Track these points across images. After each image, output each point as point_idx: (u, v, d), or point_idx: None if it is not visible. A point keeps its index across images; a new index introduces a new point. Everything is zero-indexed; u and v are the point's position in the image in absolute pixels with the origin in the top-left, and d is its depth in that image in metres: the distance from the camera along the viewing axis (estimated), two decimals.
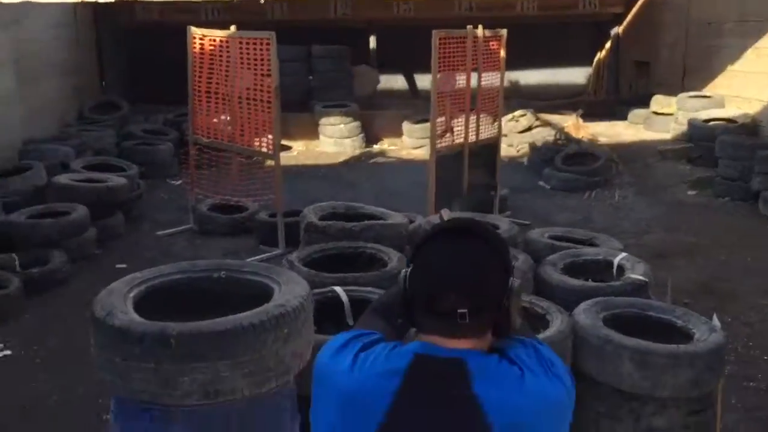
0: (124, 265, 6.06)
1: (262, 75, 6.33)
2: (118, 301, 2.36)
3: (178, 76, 7.77)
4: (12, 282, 5.24)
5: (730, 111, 10.18)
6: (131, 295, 2.47)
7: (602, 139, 11.08)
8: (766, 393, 4.02)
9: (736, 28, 10.24)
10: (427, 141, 7.26)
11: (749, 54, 9.90)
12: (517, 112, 11.36)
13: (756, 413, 3.86)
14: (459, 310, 1.38)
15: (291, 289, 2.46)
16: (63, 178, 6.82)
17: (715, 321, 3.34)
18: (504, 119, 8.96)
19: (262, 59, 6.30)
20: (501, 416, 1.35)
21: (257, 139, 6.68)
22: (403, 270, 1.50)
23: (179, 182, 9.01)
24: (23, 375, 4.32)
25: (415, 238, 1.53)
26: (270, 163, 7.22)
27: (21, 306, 5.22)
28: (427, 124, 7.68)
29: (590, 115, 12.49)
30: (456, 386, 1.37)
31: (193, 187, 7.21)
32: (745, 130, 9.47)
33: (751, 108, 9.81)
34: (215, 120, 6.96)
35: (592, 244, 4.77)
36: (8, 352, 4.60)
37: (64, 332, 4.91)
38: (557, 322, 3.23)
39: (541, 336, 3.10)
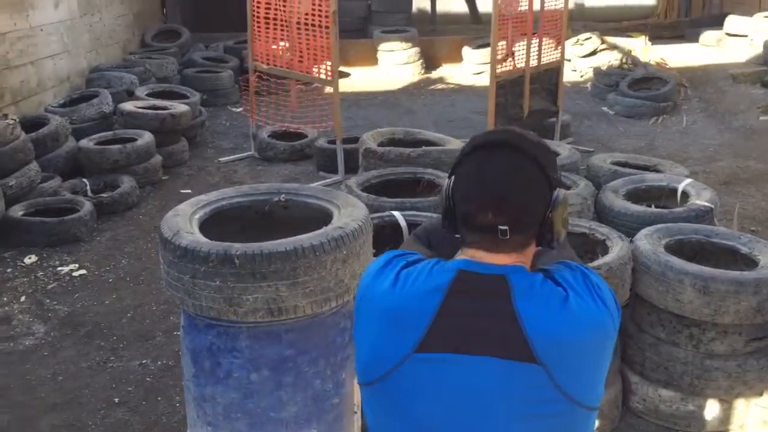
0: (188, 190, 6.24)
1: (320, 0, 6.26)
2: (184, 222, 2.44)
3: (237, 3, 7.75)
4: (84, 206, 5.46)
5: None
6: (196, 216, 2.54)
7: (671, 63, 10.64)
8: None
9: None
10: (488, 67, 7.10)
11: None
12: (582, 36, 10.96)
13: None
14: (500, 227, 1.37)
15: (349, 213, 2.50)
16: (128, 105, 6.97)
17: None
18: (568, 43, 8.67)
19: None
20: (541, 332, 1.34)
21: (316, 66, 6.65)
22: (446, 181, 1.49)
23: (240, 109, 9.10)
24: (97, 294, 4.55)
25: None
26: (329, 89, 7.21)
27: (92, 229, 5.45)
28: (488, 50, 7.50)
29: (659, 38, 11.97)
30: (497, 300, 1.36)
31: (253, 114, 7.28)
32: None
33: None
34: (274, 47, 6.95)
35: (656, 170, 4.66)
36: (83, 272, 4.84)
37: (134, 253, 5.13)
38: (617, 248, 3.20)
39: (600, 262, 3.10)
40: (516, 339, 1.34)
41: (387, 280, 1.45)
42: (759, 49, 9.94)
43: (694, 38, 12.06)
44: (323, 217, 2.56)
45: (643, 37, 11.28)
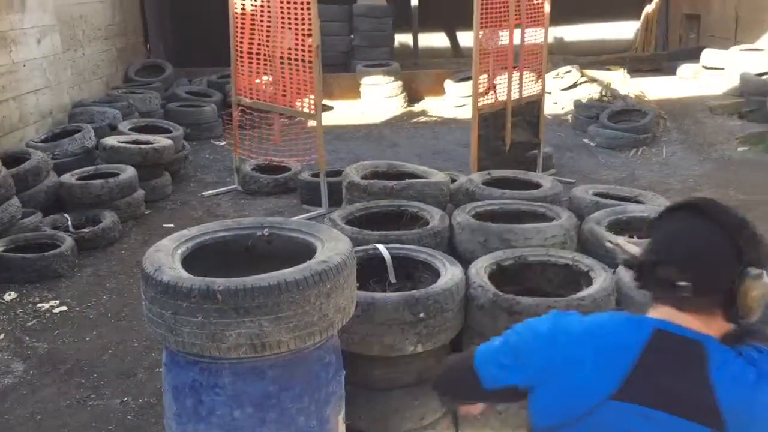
0: (171, 225, 6.21)
1: (303, 35, 6.32)
2: (166, 257, 2.42)
3: (221, 38, 7.80)
4: (65, 241, 5.41)
5: None
6: (179, 251, 2.53)
7: (650, 96, 10.81)
8: None
9: None
10: (470, 100, 7.18)
11: None
12: (562, 69, 11.13)
13: None
14: (680, 283, 1.47)
15: (333, 246, 2.50)
16: (111, 140, 6.96)
17: (765, 278, 3.28)
18: (548, 76, 8.80)
19: (303, 19, 6.28)
20: (733, 405, 1.42)
21: (299, 100, 6.70)
22: (643, 242, 1.64)
23: (224, 143, 9.12)
24: (78, 331, 4.49)
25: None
26: (312, 123, 7.24)
27: (74, 264, 5.39)
28: (470, 83, 7.59)
29: (638, 71, 12.19)
30: (692, 365, 1.45)
31: (237, 147, 7.29)
32: None
33: None
34: (257, 81, 6.99)
35: (637, 201, 4.70)
36: (64, 308, 4.78)
37: (115, 289, 5.08)
38: (601, 280, 3.21)
39: (584, 293, 3.10)
40: (708, 406, 1.41)
41: (578, 323, 1.57)
42: (735, 82, 10.13)
43: (672, 71, 12.29)
44: (307, 251, 2.56)
45: (622, 70, 11.47)
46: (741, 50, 10.55)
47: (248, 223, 2.83)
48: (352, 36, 12.33)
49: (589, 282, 3.26)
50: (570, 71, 11.07)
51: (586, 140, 9.15)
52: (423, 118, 10.89)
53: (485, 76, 6.74)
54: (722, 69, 10.91)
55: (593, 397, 1.46)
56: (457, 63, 12.47)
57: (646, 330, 1.48)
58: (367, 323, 2.90)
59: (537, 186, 4.67)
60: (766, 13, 10.57)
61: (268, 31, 6.67)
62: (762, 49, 10.36)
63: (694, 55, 11.90)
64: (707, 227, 1.49)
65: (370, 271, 3.34)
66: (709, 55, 11.37)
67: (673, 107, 10.28)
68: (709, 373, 1.43)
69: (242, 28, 6.86)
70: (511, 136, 7.01)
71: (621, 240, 1.92)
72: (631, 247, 1.70)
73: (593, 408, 1.46)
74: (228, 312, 2.21)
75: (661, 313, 1.52)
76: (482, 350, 1.70)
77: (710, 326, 1.49)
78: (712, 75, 11.15)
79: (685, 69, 11.98)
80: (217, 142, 9.30)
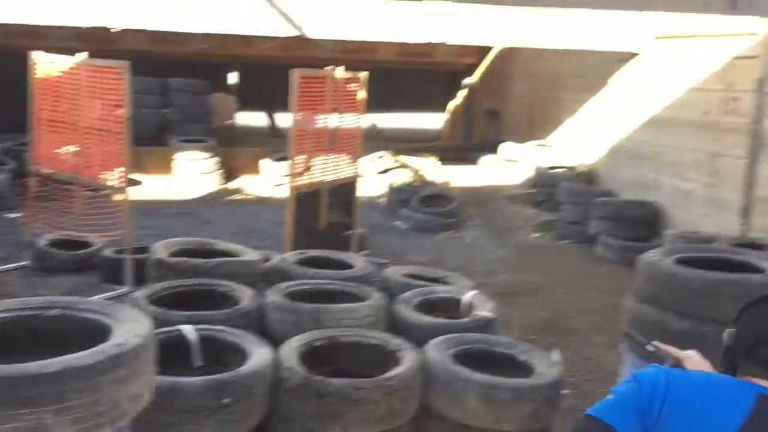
0: None
1: (113, 105, 6.06)
2: None
3: (19, 103, 7.28)
4: None
5: (570, 160, 10.93)
6: None
7: (456, 183, 11.53)
8: None
9: (576, 83, 11.07)
10: (286, 179, 7.22)
11: (587, 107, 10.72)
12: (376, 154, 11.59)
13: None
14: None
15: (131, 328, 2.33)
16: None
17: (555, 356, 3.51)
18: (364, 160, 9.10)
19: (113, 89, 6.04)
20: None
21: (105, 172, 6.35)
22: (727, 330, 1.80)
23: (17, 215, 8.37)
24: None
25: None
26: (119, 197, 6.88)
27: None
28: (287, 163, 7.65)
29: (445, 159, 12.98)
30: None
31: (31, 220, 6.72)
32: (584, 177, 10.21)
33: (588, 158, 10.59)
34: (60, 150, 6.56)
35: (444, 282, 4.90)
36: None
37: None
38: (409, 359, 3.27)
39: (392, 373, 3.13)
40: None
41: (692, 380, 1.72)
42: (530, 173, 11.11)
43: (475, 161, 13.25)
44: (102, 333, 2.36)
45: (433, 157, 12.16)
46: (535, 145, 11.63)
47: (36, 303, 2.58)
48: (167, 110, 12.04)
49: (396, 362, 3.30)
50: (383, 156, 11.55)
51: (398, 222, 9.50)
52: (239, 196, 10.77)
53: (302, 156, 6.83)
54: (518, 161, 11.94)
55: None
56: (275, 143, 12.56)
57: (751, 395, 1.63)
58: (167, 411, 2.71)
59: (350, 266, 4.73)
60: (554, 114, 11.80)
61: (74, 99, 6.33)
62: (552, 146, 11.49)
63: (494, 148, 12.93)
64: None
65: (174, 355, 3.14)
66: (507, 148, 12.41)
67: (477, 195, 11.02)
68: None
69: (44, 94, 6.45)
70: (326, 216, 7.11)
71: (658, 343, 2.13)
72: (670, 348, 1.99)
73: None
74: (4, 403, 1.95)
75: (756, 381, 1.68)
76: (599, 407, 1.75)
77: None
78: (510, 166, 12.15)
79: (486, 160, 12.96)
80: (10, 215, 8.52)
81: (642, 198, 8.77)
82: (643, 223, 8.43)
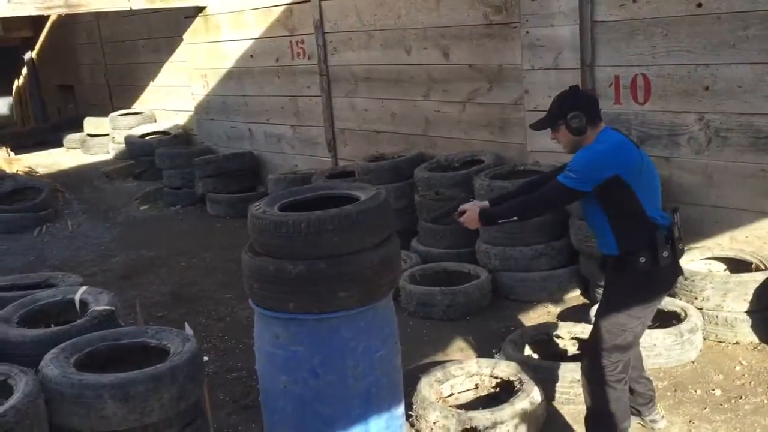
0: None
1: None
2: None
3: None
4: None
5: (162, 124, 10.61)
6: None
7: (41, 170, 10.42)
8: (248, 379, 4.27)
9: (148, 45, 10.68)
10: None
11: (166, 69, 10.45)
12: None
13: (243, 402, 4.08)
14: None
15: None
16: None
17: (187, 329, 3.38)
18: None
19: None
20: None
21: None
22: (573, 114, 3.10)
23: None
24: None
25: None
26: None
27: None
28: None
29: (22, 147, 11.64)
30: None
31: None
32: (180, 140, 10.02)
33: (180, 119, 10.42)
34: None
35: (48, 285, 4.36)
36: None
37: None
38: (22, 385, 2.83)
39: (5, 407, 2.68)
40: None
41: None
42: (122, 145, 10.50)
43: (59, 143, 12.10)
44: None
45: (4, 148, 10.74)
46: (120, 115, 10.98)
47: None
48: None
49: (8, 392, 2.83)
50: None
51: None
52: None
53: None
54: (107, 135, 11.21)
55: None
56: None
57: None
58: None
59: None
60: (133, 80, 11.27)
61: None
62: (140, 112, 10.98)
63: (77, 124, 11.95)
64: None
65: None
66: (91, 122, 11.55)
67: (69, 178, 10.12)
68: None
69: None
70: None
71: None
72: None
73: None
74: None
75: None
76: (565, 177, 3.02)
77: None
78: (99, 142, 11.36)
79: (71, 139, 11.94)
80: None
81: (239, 149, 8.94)
82: (245, 173, 8.62)
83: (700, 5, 4.59)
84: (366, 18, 6.95)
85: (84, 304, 3.79)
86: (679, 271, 3.19)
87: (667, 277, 3.11)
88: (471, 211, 3.26)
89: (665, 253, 2.98)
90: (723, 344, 4.24)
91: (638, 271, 3.00)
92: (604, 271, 3.21)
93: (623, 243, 3.02)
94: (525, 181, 3.73)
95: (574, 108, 3.05)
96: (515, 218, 3.17)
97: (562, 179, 2.99)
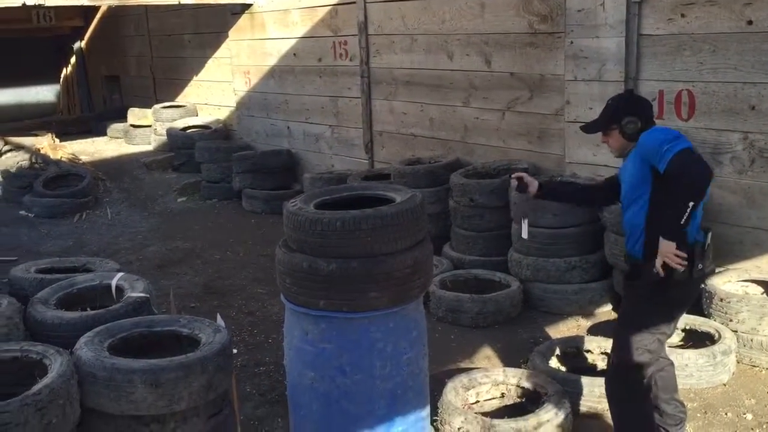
0: None
1: None
2: None
3: None
4: None
5: (203, 118, 10.76)
6: None
7: (83, 158, 10.62)
8: (275, 373, 4.31)
9: (194, 40, 10.84)
10: None
11: (210, 64, 10.59)
12: None
13: (269, 396, 4.12)
14: None
15: None
16: None
17: (219, 320, 3.43)
18: None
19: None
20: None
21: None
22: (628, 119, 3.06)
23: None
24: None
25: None
26: None
27: None
28: None
29: (67, 134, 11.89)
30: None
31: None
32: (219, 134, 10.15)
33: (221, 114, 10.55)
34: None
35: (87, 270, 4.46)
36: None
37: None
38: (57, 365, 2.89)
39: (40, 385, 2.74)
40: None
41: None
42: (164, 137, 10.67)
43: (103, 132, 12.33)
44: None
45: (50, 134, 10.99)
46: (163, 107, 11.15)
47: None
48: None
49: (44, 371, 2.90)
50: None
51: (23, 212, 8.44)
52: None
53: None
54: (149, 126, 11.40)
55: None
56: None
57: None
58: None
59: None
60: (178, 73, 11.45)
61: None
62: (183, 105, 11.13)
63: (121, 115, 12.16)
64: None
65: None
66: (134, 114, 11.74)
67: (110, 167, 10.30)
68: None
69: None
70: None
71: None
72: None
73: None
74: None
75: None
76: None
77: None
78: (141, 132, 11.55)
79: (114, 129, 12.15)
80: None
81: (278, 147, 9.03)
82: (282, 170, 8.70)
83: (750, 22, 4.51)
84: (410, 22, 6.98)
85: (120, 290, 3.87)
86: (699, 290, 3.17)
87: (690, 291, 3.07)
88: (664, 250, 2.85)
89: (700, 266, 2.95)
90: (757, 368, 4.15)
91: (660, 281, 2.93)
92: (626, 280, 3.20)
93: (650, 247, 2.95)
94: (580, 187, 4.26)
95: (631, 113, 3.03)
96: (691, 204, 2.78)
97: (675, 152, 2.78)
